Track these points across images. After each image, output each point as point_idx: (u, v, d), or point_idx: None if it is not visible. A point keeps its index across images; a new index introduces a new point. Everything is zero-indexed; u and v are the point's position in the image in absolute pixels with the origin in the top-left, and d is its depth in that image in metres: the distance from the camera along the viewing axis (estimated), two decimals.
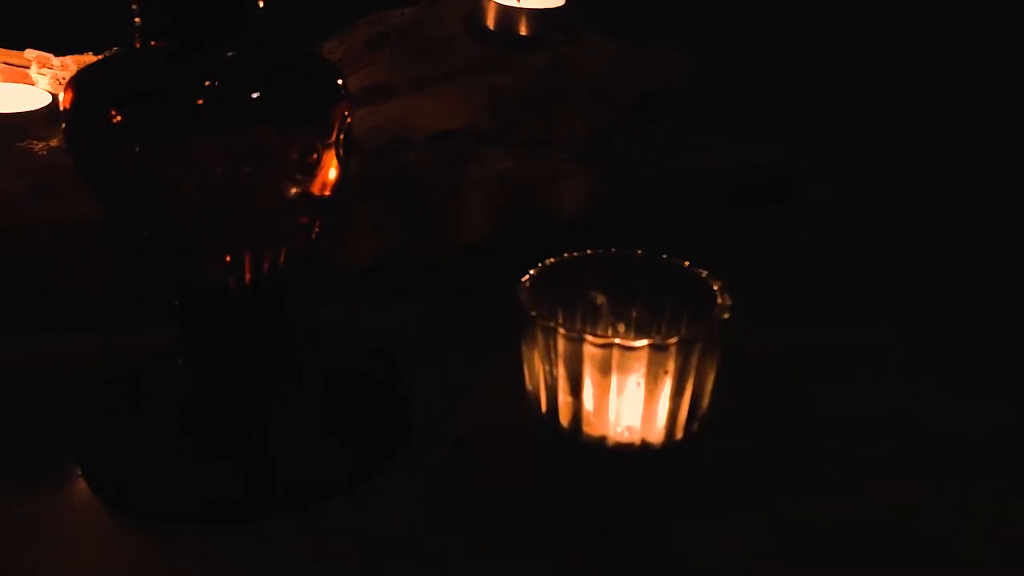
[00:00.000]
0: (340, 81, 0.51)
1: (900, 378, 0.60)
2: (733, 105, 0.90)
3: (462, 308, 0.65)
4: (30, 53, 0.66)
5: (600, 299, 0.52)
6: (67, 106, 0.48)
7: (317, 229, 0.51)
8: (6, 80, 0.64)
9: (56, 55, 0.67)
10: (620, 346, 0.46)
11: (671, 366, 0.46)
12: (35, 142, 0.60)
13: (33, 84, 0.65)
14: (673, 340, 0.45)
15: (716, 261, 0.51)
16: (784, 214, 0.79)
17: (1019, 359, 0.62)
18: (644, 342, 0.45)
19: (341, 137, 0.50)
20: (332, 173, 0.50)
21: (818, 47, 1.17)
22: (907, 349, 0.63)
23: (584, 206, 0.68)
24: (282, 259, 0.50)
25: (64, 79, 0.65)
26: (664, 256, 0.51)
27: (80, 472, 0.52)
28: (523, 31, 0.71)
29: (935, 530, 0.49)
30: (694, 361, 0.46)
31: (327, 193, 0.50)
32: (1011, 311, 0.67)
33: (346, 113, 0.50)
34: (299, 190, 0.49)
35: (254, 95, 0.47)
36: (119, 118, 0.47)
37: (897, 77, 1.09)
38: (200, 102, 0.47)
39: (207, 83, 0.47)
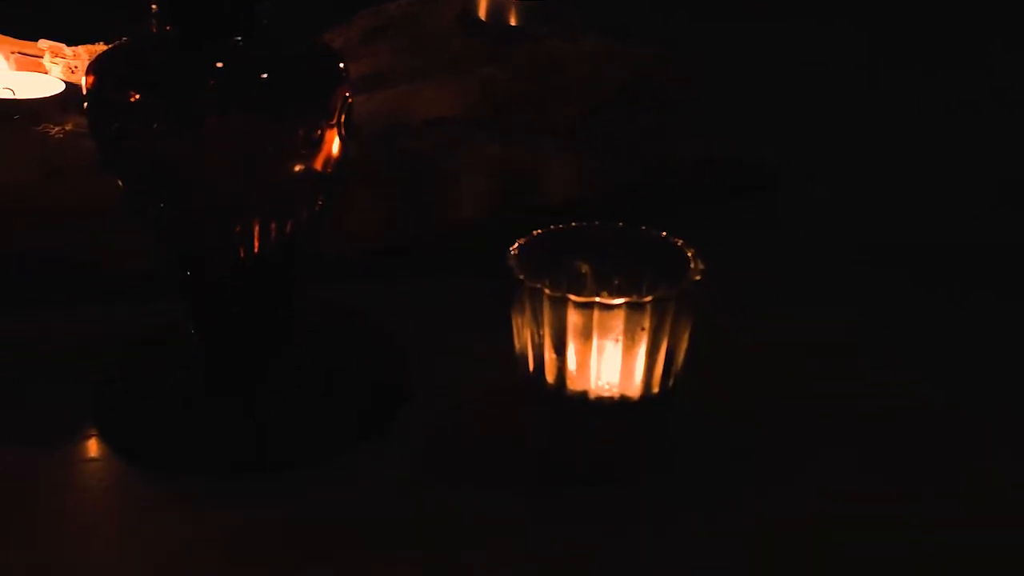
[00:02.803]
0: (341, 65, 0.58)
1: (876, 360, 0.67)
2: (731, 102, 0.97)
3: (455, 286, 0.72)
4: (43, 43, 0.73)
5: (584, 268, 0.59)
6: (89, 88, 0.55)
7: (321, 203, 0.58)
8: (21, 69, 0.72)
9: (67, 45, 0.74)
10: (600, 305, 0.53)
11: (647, 323, 0.53)
12: (51, 126, 0.67)
13: (46, 72, 0.72)
14: (648, 298, 0.53)
15: (710, 253, 0.57)
16: (778, 208, 0.86)
17: (993, 346, 0.69)
18: (622, 300, 0.53)
19: (343, 118, 0.57)
20: (334, 151, 0.57)
21: (816, 47, 1.23)
22: (887, 335, 0.70)
23: (570, 190, 0.76)
24: (288, 230, 0.57)
25: (76, 68, 0.72)
26: (643, 227, 0.59)
27: (95, 428, 0.59)
28: (513, 22, 0.79)
29: (893, 479, 0.57)
30: (668, 319, 0.53)
31: (330, 170, 0.57)
32: (990, 301, 0.74)
33: (347, 95, 0.57)
34: (304, 166, 0.56)
35: (263, 76, 0.55)
36: (137, 99, 0.54)
37: (894, 76, 1.15)
38: (212, 84, 0.54)
39: (219, 66, 0.54)
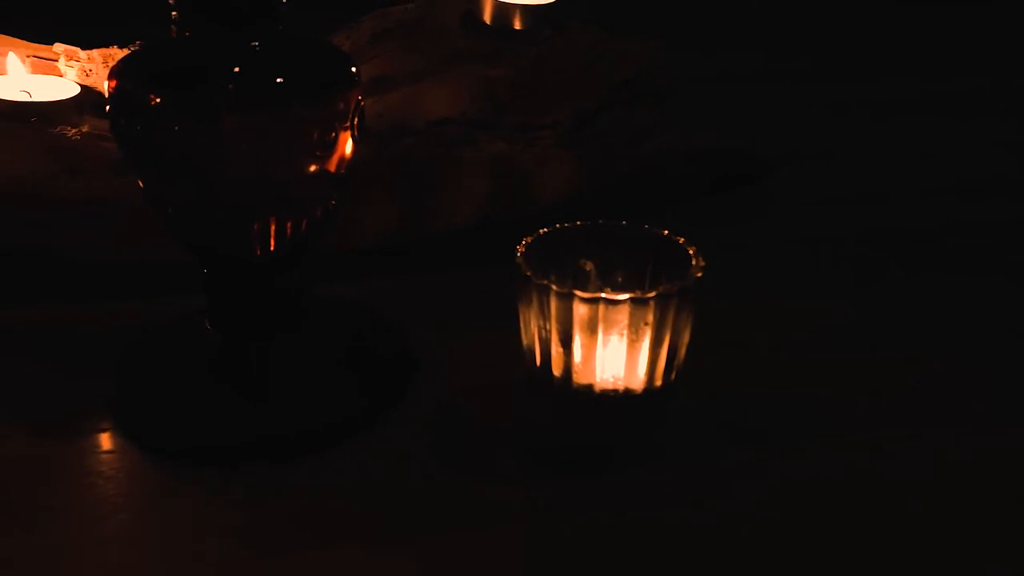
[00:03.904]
0: (354, 69, 0.61)
1: (859, 336, 0.72)
2: (712, 98, 1.02)
3: (459, 281, 0.75)
4: (58, 47, 0.76)
5: (589, 266, 0.62)
6: (111, 91, 0.58)
7: (334, 202, 0.61)
8: (37, 72, 0.75)
9: (82, 49, 0.77)
10: (605, 300, 0.56)
11: (651, 318, 0.56)
12: (67, 128, 0.70)
13: (61, 76, 0.75)
14: (652, 294, 0.56)
15: (706, 246, 0.60)
16: (767, 201, 0.90)
17: (962, 320, 0.74)
18: (626, 295, 0.56)
19: (356, 120, 0.60)
20: (347, 152, 0.60)
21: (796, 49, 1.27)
22: (865, 312, 0.74)
23: (568, 184, 0.79)
24: (303, 228, 0.61)
25: (91, 71, 0.75)
26: (646, 226, 0.62)
27: (109, 417, 0.62)
28: (517, 25, 0.82)
29: (887, 466, 0.60)
30: (671, 314, 0.56)
31: (343, 170, 0.60)
32: (955, 281, 0.79)
33: (360, 98, 0.60)
34: (318, 167, 0.59)
35: (279, 80, 0.58)
36: (158, 101, 0.57)
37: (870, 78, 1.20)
38: (230, 87, 0.57)
39: (236, 69, 0.58)
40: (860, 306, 0.75)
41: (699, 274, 0.57)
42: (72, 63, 0.75)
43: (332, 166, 0.59)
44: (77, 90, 0.73)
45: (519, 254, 0.59)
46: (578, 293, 0.56)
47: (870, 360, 0.69)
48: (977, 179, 0.96)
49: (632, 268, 0.61)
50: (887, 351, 0.70)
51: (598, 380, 0.58)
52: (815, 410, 0.64)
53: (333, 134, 0.59)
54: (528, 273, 0.57)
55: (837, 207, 0.90)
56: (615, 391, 0.58)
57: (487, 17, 0.82)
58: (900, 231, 0.86)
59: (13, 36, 0.77)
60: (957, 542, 0.55)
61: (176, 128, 0.57)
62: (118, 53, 0.76)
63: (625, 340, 0.57)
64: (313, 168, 0.59)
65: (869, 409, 0.64)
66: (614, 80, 0.84)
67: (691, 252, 0.59)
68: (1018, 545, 0.55)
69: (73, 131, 0.70)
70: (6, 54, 0.73)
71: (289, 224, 0.60)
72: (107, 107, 0.58)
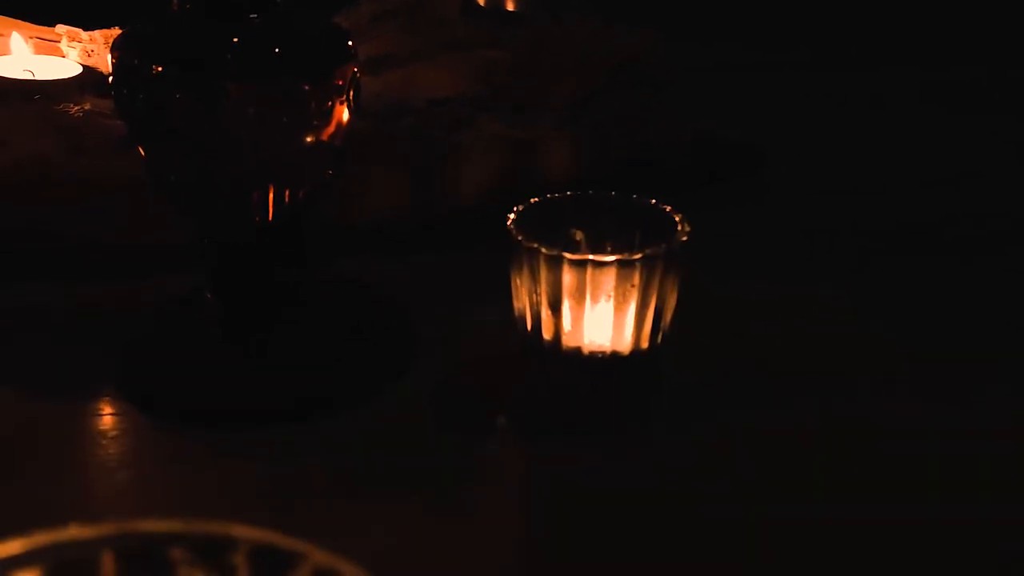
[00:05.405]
0: (350, 43, 0.64)
1: (855, 327, 0.74)
2: (709, 87, 1.04)
3: (457, 261, 0.78)
4: (61, 28, 0.80)
5: (579, 235, 0.65)
6: (114, 63, 0.62)
7: (330, 172, 0.65)
8: (39, 53, 0.78)
9: (84, 30, 0.81)
10: (593, 263, 0.59)
11: (637, 280, 0.60)
12: (70, 106, 0.74)
13: (64, 56, 0.79)
14: (638, 255, 0.59)
15: (697, 226, 0.63)
16: (761, 191, 0.93)
17: (959, 311, 0.76)
18: (613, 258, 0.59)
19: (352, 93, 0.63)
20: (344, 123, 0.64)
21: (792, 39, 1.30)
22: (862, 303, 0.77)
23: (566, 168, 0.83)
24: (300, 197, 0.64)
25: (92, 51, 0.79)
26: (634, 195, 0.65)
27: (119, 384, 0.65)
28: (510, 7, 0.86)
29: (883, 455, 0.62)
30: (657, 277, 0.60)
31: (339, 142, 0.64)
32: (952, 272, 0.81)
33: (356, 71, 0.64)
34: (315, 138, 0.62)
35: (276, 52, 0.61)
36: (159, 71, 0.61)
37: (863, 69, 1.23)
38: (230, 57, 0.61)
39: (235, 41, 0.61)
40: (856, 297, 0.77)
41: (684, 238, 0.61)
42: (74, 44, 0.79)
43: (328, 137, 0.63)
44: (79, 70, 0.77)
45: (510, 221, 0.62)
46: (567, 256, 0.59)
47: (866, 350, 0.71)
48: (974, 170, 0.98)
49: (621, 238, 0.65)
50: (883, 342, 0.72)
51: (586, 343, 0.61)
52: (812, 400, 0.66)
53: (330, 104, 0.62)
54: (519, 238, 0.61)
55: (834, 198, 0.92)
56: (603, 353, 0.62)
57: (482, 0, 0.86)
58: (897, 222, 0.88)
59: (16, 18, 0.81)
60: (955, 531, 0.57)
61: (176, 97, 0.60)
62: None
63: (612, 304, 0.60)
64: (310, 139, 0.62)
65: (866, 399, 0.67)
66: (611, 69, 0.87)
67: (677, 219, 0.62)
68: (1017, 530, 0.57)
69: (76, 108, 0.74)
70: (10, 35, 0.77)
71: (287, 193, 0.63)
72: (110, 78, 0.62)
